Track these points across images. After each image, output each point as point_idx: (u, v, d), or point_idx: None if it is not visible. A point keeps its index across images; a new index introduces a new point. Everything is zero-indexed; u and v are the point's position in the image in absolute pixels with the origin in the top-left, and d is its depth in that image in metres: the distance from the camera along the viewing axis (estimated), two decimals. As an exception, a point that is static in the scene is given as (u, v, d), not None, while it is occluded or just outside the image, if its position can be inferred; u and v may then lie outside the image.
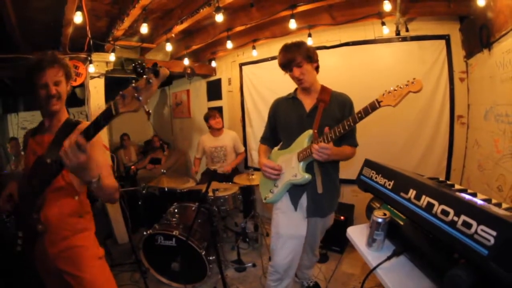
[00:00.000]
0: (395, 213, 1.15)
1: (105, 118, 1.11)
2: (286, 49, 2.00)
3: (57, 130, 1.53)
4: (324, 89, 2.06)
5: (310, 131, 1.94)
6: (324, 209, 2.06)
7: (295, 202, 2.04)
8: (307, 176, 1.90)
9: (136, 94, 1.00)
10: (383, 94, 1.59)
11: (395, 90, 1.55)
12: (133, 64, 0.99)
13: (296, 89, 2.16)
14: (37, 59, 1.48)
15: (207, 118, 4.08)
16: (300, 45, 1.98)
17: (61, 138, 1.44)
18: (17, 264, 1.63)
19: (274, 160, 2.13)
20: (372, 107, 1.61)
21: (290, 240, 2.03)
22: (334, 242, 3.24)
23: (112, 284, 1.56)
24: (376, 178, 1.14)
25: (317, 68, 2.08)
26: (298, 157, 1.94)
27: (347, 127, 1.70)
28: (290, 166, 1.99)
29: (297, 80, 2.00)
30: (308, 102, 2.06)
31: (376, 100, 1.61)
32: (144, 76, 1.00)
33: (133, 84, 1.01)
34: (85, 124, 1.53)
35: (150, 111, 1.08)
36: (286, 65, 1.99)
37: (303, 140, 1.95)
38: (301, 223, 2.05)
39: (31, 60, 1.49)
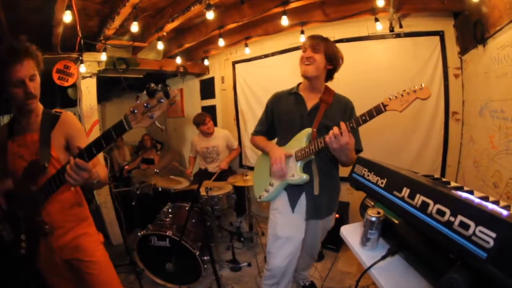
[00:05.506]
0: (389, 211, 1.12)
1: (117, 133, 1.17)
2: (315, 35, 1.96)
3: (39, 127, 1.48)
4: (327, 89, 2.01)
5: (308, 130, 1.88)
6: (322, 211, 2.00)
7: (293, 203, 1.97)
8: (305, 176, 1.85)
9: (149, 113, 1.12)
10: (389, 98, 1.53)
11: (402, 95, 1.50)
12: (146, 86, 1.09)
13: (299, 85, 2.10)
14: (8, 48, 1.31)
15: (197, 124, 3.95)
16: (329, 40, 1.96)
17: (47, 135, 1.47)
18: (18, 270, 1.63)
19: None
20: (377, 111, 1.55)
21: (288, 242, 1.95)
22: (329, 241, 3.20)
23: (112, 265, 1.68)
24: (368, 176, 1.11)
25: (330, 74, 2.01)
26: (296, 156, 1.88)
27: (349, 129, 1.62)
28: (288, 165, 1.93)
29: (305, 61, 1.90)
30: (310, 100, 1.98)
31: (382, 103, 1.55)
32: (155, 96, 1.10)
33: (145, 103, 1.11)
34: (68, 116, 1.57)
35: (164, 128, 1.12)
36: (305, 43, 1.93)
37: (301, 138, 1.89)
38: (300, 224, 1.97)
39: None
